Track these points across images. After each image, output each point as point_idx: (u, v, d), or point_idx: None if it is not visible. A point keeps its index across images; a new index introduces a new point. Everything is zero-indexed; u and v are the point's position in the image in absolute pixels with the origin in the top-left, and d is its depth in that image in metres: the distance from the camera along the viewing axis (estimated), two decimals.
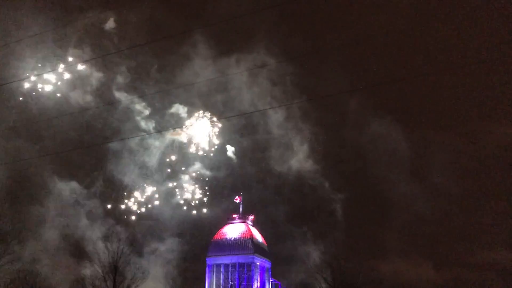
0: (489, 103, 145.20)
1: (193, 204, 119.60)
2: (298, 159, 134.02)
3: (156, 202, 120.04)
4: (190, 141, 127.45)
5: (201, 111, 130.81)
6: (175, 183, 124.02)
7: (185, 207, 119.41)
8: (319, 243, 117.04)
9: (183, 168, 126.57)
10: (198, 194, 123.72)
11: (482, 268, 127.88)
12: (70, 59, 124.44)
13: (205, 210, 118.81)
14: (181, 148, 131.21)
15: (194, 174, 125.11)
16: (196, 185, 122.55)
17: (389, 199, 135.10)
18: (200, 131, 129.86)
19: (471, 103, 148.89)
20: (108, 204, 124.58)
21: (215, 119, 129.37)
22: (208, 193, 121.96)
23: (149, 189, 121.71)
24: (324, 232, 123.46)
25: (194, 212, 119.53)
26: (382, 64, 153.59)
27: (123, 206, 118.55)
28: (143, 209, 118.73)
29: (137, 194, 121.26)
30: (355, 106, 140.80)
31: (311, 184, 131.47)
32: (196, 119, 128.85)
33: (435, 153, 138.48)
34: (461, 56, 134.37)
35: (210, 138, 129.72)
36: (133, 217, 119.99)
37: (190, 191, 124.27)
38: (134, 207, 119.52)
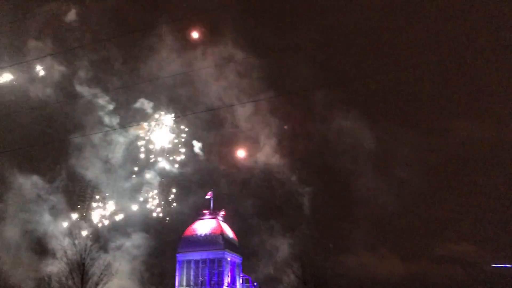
0: (452, 100, 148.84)
1: (159, 209, 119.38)
2: (266, 153, 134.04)
3: (121, 216, 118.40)
4: (148, 151, 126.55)
5: (163, 112, 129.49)
6: (142, 192, 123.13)
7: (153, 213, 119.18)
8: (288, 237, 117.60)
9: (147, 174, 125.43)
10: (164, 195, 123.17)
11: (446, 260, 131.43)
12: (30, 51, 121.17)
13: (167, 219, 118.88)
14: (145, 145, 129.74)
15: (157, 181, 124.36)
16: (162, 192, 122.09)
17: (355, 193, 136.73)
18: (163, 136, 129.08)
19: (435, 100, 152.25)
20: (72, 199, 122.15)
21: (181, 123, 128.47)
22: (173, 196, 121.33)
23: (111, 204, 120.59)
24: (293, 226, 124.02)
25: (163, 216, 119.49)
26: (349, 60, 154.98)
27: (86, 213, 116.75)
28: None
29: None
30: (321, 100, 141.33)
31: (278, 178, 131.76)
32: (158, 122, 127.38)
33: (400, 148, 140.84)
34: (425, 53, 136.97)
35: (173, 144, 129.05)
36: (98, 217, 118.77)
37: (155, 189, 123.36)
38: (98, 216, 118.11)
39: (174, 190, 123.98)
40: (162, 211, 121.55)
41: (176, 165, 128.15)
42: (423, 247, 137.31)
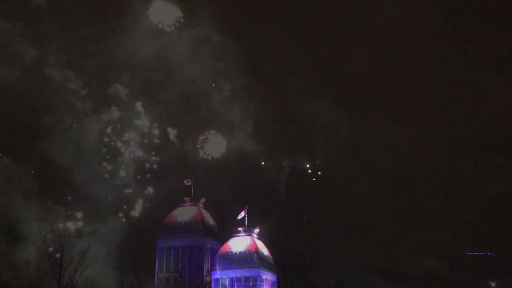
0: (427, 91, 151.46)
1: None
2: (241, 138, 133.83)
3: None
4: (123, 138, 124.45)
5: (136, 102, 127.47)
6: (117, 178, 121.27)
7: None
8: (266, 223, 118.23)
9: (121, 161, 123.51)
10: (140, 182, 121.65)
11: (420, 246, 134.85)
12: None
13: (146, 205, 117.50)
14: (118, 132, 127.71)
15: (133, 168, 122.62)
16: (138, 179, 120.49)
17: (331, 180, 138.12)
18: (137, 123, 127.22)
19: (411, 90, 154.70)
20: (44, 183, 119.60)
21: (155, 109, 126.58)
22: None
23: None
24: (270, 213, 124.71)
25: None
26: (326, 47, 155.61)
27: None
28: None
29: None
30: (298, 85, 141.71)
31: (254, 163, 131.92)
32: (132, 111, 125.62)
33: (375, 136, 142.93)
34: (402, 43, 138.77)
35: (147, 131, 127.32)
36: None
37: (130, 176, 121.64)
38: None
39: (149, 177, 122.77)
40: (138, 198, 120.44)
41: (152, 152, 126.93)
42: (397, 234, 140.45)
